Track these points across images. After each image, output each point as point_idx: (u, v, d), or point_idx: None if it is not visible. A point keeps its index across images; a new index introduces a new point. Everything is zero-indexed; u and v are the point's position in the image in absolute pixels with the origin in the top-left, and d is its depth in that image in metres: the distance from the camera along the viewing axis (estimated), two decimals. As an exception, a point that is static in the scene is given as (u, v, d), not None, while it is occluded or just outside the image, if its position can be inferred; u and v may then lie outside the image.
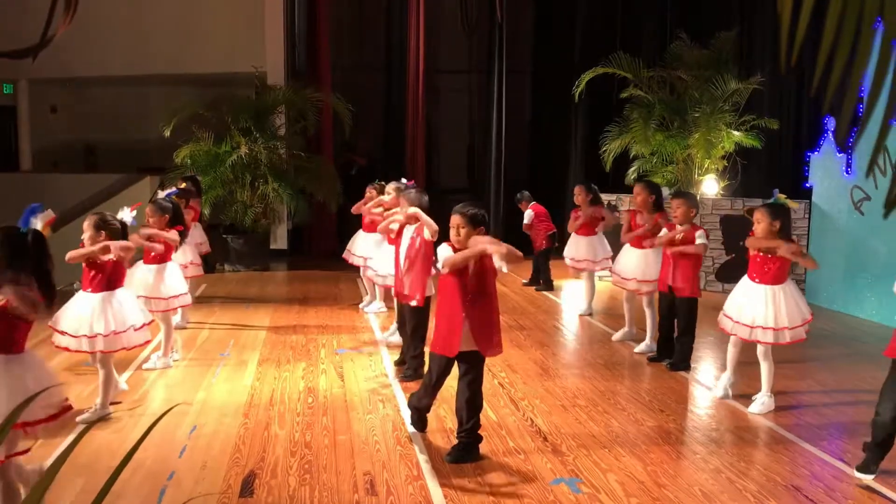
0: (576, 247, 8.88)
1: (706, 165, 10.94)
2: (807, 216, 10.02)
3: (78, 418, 5.07)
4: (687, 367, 6.67)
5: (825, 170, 9.77)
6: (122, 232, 5.32)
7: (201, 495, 4.14)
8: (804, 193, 10.09)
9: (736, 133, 10.67)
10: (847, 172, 9.30)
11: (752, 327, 5.52)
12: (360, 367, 6.68)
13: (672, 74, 11.12)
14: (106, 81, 15.11)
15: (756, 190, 11.06)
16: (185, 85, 14.70)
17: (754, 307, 5.52)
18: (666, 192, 9.75)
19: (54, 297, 3.84)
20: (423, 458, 4.67)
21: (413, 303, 6.01)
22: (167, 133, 11.80)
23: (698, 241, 6.41)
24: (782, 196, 5.66)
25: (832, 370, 6.88)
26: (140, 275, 6.52)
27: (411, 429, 5.13)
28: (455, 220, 4.60)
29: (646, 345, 7.29)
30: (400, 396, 5.86)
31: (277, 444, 4.90)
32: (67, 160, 15.88)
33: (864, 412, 5.70)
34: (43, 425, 3.66)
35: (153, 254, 6.55)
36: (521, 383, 6.28)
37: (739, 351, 5.84)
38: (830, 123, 9.59)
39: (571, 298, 9.98)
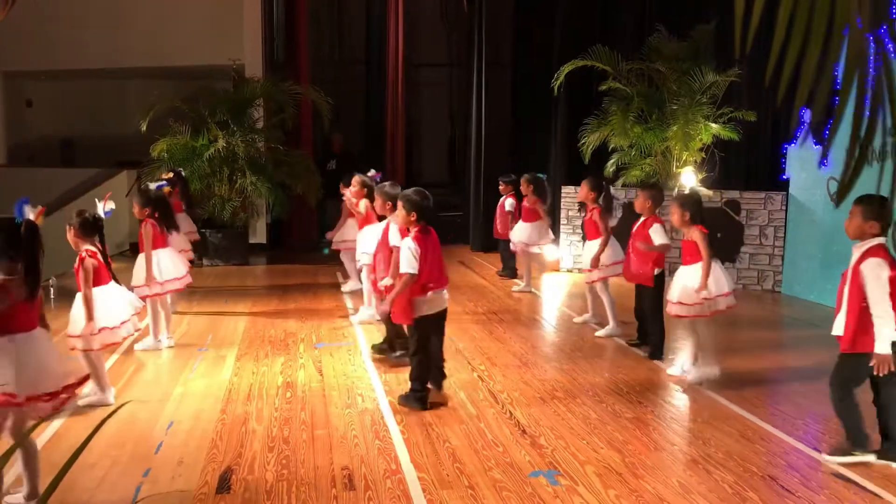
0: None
1: (684, 158, 10.97)
2: (784, 208, 10.09)
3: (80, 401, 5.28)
4: (657, 357, 6.80)
5: (801, 162, 9.84)
6: (97, 226, 5.45)
7: (178, 491, 4.12)
8: (781, 185, 10.17)
9: (714, 125, 10.71)
10: (823, 164, 9.37)
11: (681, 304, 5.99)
12: (338, 362, 6.66)
13: (650, 67, 11.13)
14: (82, 74, 14.95)
15: (734, 182, 11.13)
16: (163, 78, 14.58)
17: (684, 287, 5.97)
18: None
19: (38, 285, 3.94)
20: (401, 452, 4.66)
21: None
22: (143, 127, 11.69)
23: (655, 241, 6.58)
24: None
25: (808, 360, 6.93)
26: (136, 265, 7.00)
27: (392, 422, 5.14)
28: (397, 203, 5.60)
29: (608, 329, 7.59)
30: (379, 390, 5.85)
31: (255, 439, 4.87)
32: (44, 154, 15.67)
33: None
34: (63, 395, 3.89)
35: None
36: (499, 376, 6.29)
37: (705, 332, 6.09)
38: (807, 116, 9.66)
39: (551, 292, 10.00)
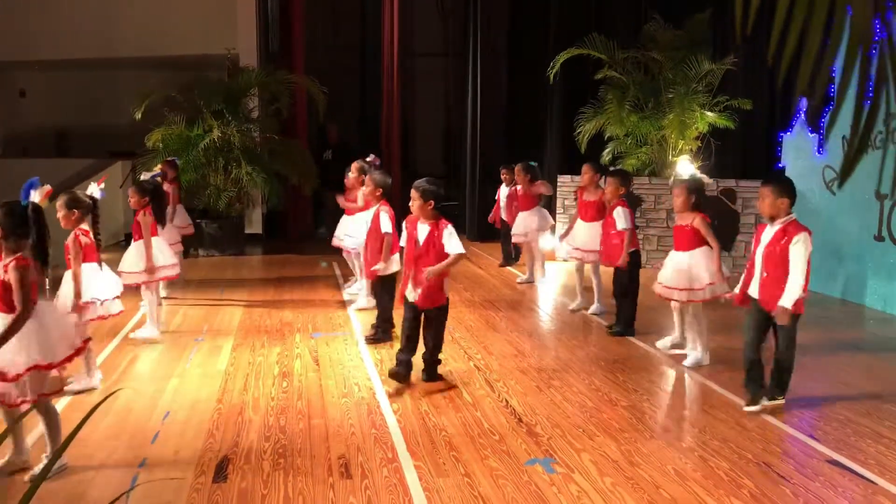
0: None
1: (680, 146, 10.98)
2: (779, 196, 10.08)
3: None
4: (628, 333, 7.14)
5: (797, 150, 9.84)
6: (92, 207, 5.60)
7: (174, 479, 4.12)
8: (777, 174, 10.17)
9: (709, 114, 10.71)
10: (819, 152, 9.37)
11: (680, 289, 6.12)
12: (335, 351, 6.66)
13: (646, 55, 11.12)
14: (76, 65, 14.86)
15: (730, 170, 11.13)
16: (157, 68, 14.49)
17: (680, 272, 6.12)
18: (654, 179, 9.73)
19: (48, 262, 4.30)
20: (397, 441, 4.66)
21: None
22: (138, 116, 11.64)
23: (618, 225, 7.02)
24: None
25: (803, 349, 6.91)
26: (128, 252, 7.05)
27: (388, 411, 5.14)
28: (411, 193, 5.61)
29: (596, 307, 8.05)
30: (375, 379, 5.86)
31: (251, 429, 4.87)
32: (38, 145, 15.59)
33: (834, 390, 5.79)
34: (70, 361, 4.28)
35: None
36: (496, 365, 6.29)
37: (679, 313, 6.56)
38: (803, 104, 9.65)
39: (549, 281, 10.00)
